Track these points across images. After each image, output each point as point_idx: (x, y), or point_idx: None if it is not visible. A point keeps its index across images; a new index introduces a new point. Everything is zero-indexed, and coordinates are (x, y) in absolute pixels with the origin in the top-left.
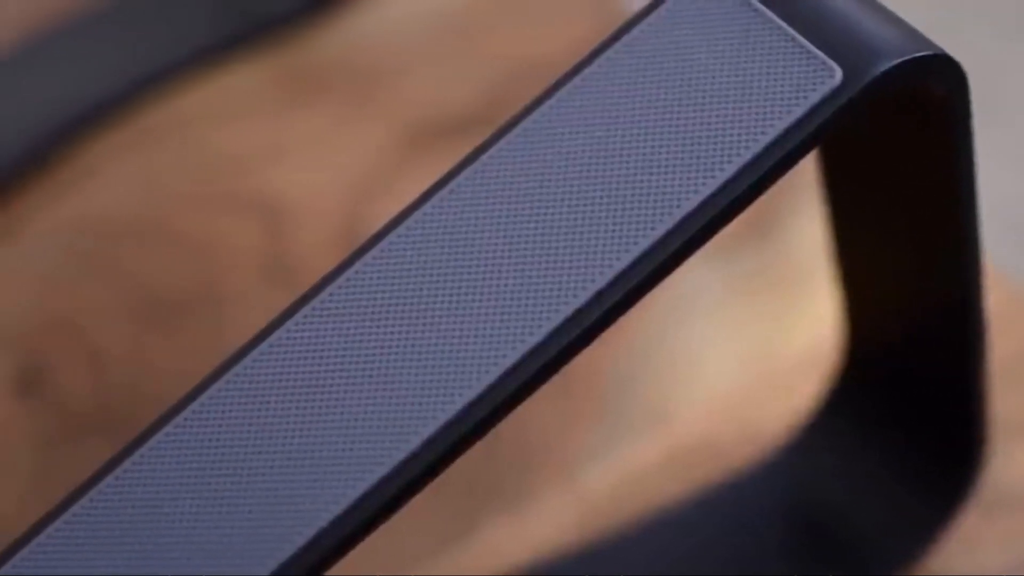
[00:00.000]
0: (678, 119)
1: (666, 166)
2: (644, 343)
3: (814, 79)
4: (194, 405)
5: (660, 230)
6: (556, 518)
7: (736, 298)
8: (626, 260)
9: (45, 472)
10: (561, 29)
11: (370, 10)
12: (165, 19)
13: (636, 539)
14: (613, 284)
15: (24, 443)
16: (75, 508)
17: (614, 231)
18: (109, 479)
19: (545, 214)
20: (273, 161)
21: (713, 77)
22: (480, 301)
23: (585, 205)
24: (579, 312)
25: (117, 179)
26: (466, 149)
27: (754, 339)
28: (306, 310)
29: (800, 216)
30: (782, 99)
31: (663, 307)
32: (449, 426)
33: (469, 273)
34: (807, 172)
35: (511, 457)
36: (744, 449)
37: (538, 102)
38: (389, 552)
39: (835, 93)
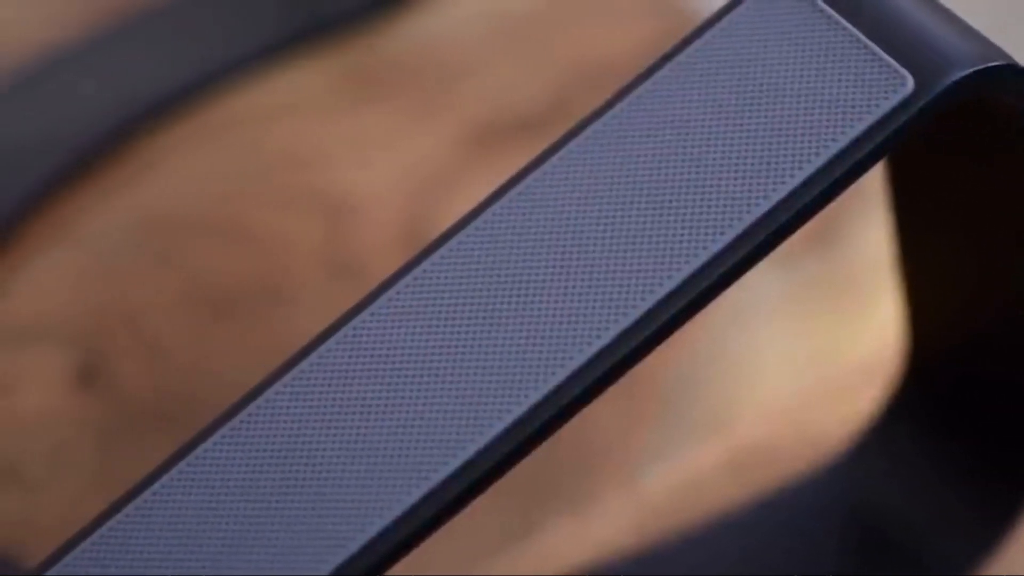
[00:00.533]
0: (748, 126)
1: (736, 172)
2: (707, 346)
3: (886, 87)
4: (259, 401)
5: (729, 235)
6: (615, 520)
7: (799, 303)
8: (695, 264)
9: (104, 465)
10: (626, 31)
11: (436, 10)
12: (232, 15)
13: (693, 542)
14: (681, 288)
15: (83, 436)
16: (137, 502)
17: (683, 235)
18: (171, 473)
19: (614, 217)
20: (337, 159)
21: (784, 84)
22: (548, 302)
23: (654, 209)
24: (647, 315)
25: (181, 174)
26: (530, 149)
27: (817, 344)
28: (373, 308)
29: (865, 222)
30: (854, 107)
31: (726, 311)
32: (514, 427)
33: (537, 274)
34: (873, 177)
35: (572, 458)
36: (804, 454)
37: (609, 105)
38: (448, 552)
39: (907, 102)
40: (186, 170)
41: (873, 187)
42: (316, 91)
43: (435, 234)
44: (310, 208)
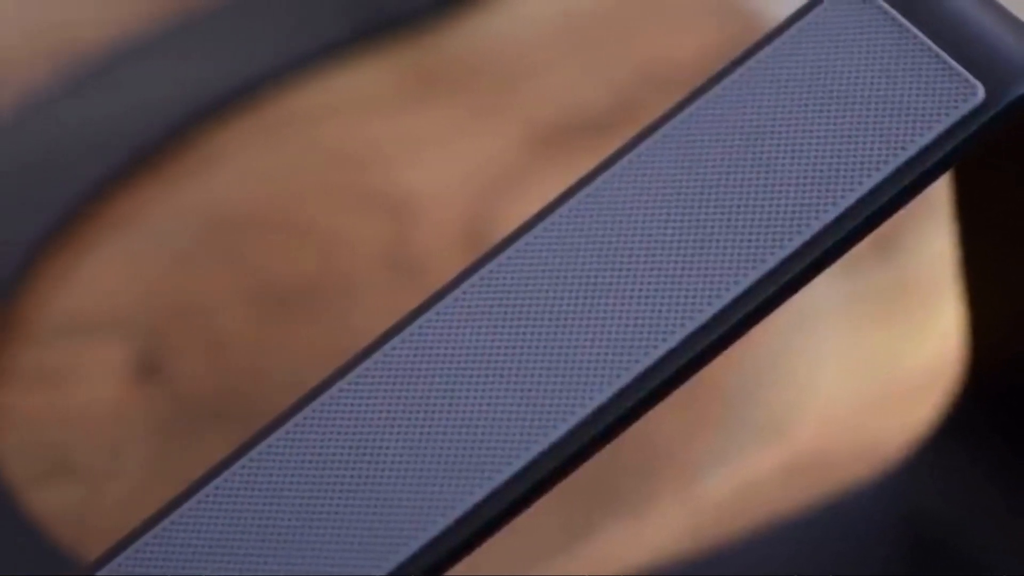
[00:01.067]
0: (817, 132)
1: (804, 178)
2: (768, 353)
3: (956, 96)
4: (322, 398)
5: (796, 242)
6: (673, 523)
7: (862, 310)
8: (761, 270)
9: (161, 459)
10: (691, 34)
11: (501, 9)
12: (295, 12)
13: (748, 546)
14: (748, 293)
15: (142, 431)
16: (198, 496)
17: (750, 241)
18: (233, 469)
19: (682, 221)
20: (399, 158)
21: (854, 91)
22: (615, 305)
23: (722, 214)
24: (713, 319)
25: (244, 169)
26: (594, 151)
27: (877, 353)
28: (438, 307)
29: (929, 230)
30: (924, 115)
31: (787, 318)
32: (579, 429)
33: (605, 277)
34: (938, 186)
35: (634, 460)
36: (862, 462)
37: (679, 108)
38: (506, 552)
39: (977, 111)
40: (248, 166)
41: (939, 195)
42: (380, 89)
43: (496, 235)
44: (371, 207)
